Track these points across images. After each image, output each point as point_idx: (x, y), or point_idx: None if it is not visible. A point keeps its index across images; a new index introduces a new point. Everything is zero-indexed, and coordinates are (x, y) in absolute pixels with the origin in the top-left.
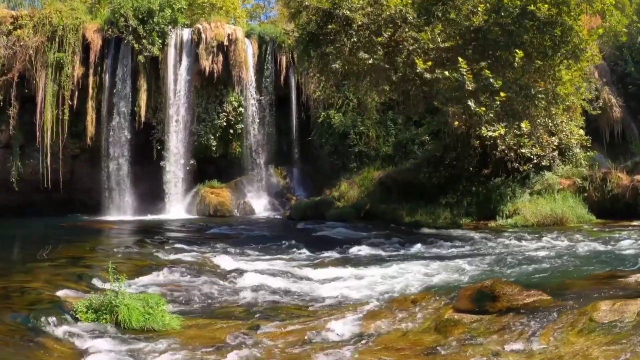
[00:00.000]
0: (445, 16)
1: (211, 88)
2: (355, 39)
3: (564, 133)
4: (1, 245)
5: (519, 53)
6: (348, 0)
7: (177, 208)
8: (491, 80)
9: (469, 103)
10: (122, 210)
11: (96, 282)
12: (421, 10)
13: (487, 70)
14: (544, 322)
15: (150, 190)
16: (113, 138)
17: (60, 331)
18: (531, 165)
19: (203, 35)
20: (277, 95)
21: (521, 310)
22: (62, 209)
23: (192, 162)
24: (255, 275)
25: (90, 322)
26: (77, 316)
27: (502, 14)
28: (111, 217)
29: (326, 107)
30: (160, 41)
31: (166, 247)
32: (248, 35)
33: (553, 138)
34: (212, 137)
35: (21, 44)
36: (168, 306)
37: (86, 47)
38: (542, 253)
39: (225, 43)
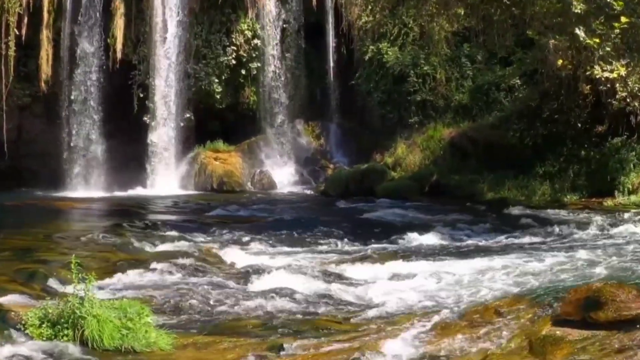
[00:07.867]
0: None
1: (215, 12)
2: None
3: None
4: None
5: None
6: None
7: (167, 180)
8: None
9: (577, 32)
10: (90, 183)
11: (54, 283)
12: None
13: None
14: None
15: (130, 156)
16: (77, 82)
17: (3, 352)
18: None
19: None
20: (307, 22)
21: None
22: (6, 182)
23: (187, 115)
24: (276, 274)
25: (45, 340)
26: (26, 331)
27: None
28: (75, 192)
29: (376, 39)
30: None
31: (152, 235)
32: None
33: None
34: (217, 81)
35: None
36: (154, 318)
37: None
38: None
39: None
